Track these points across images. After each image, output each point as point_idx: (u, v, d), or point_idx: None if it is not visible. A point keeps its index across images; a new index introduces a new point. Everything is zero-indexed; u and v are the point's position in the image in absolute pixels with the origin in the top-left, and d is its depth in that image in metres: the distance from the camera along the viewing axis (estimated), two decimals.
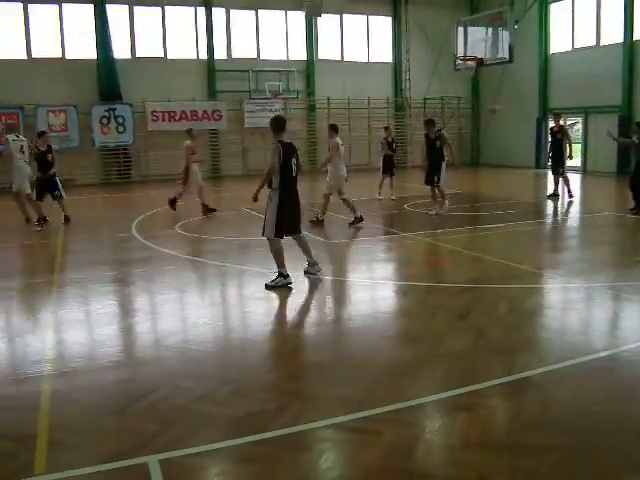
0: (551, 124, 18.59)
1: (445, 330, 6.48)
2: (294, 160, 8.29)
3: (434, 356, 5.76)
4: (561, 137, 17.08)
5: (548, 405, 4.67)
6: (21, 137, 14.66)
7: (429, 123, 14.71)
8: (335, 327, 6.90)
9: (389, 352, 5.98)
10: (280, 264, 8.36)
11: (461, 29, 24.42)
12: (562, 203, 16.61)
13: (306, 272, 8.83)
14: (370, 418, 4.49)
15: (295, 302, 8.03)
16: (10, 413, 4.82)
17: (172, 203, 15.45)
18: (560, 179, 17.14)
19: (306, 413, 4.60)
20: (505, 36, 22.33)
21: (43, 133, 15.50)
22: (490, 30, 23.31)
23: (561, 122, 17.91)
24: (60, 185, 14.45)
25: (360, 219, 13.05)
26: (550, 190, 17.72)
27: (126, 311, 7.70)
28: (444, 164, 14.47)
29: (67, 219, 14.27)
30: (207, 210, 15.23)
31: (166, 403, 4.83)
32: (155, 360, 5.91)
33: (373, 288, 8.60)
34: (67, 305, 7.86)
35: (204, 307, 7.84)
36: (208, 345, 6.31)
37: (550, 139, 17.88)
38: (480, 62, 23.62)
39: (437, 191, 14.51)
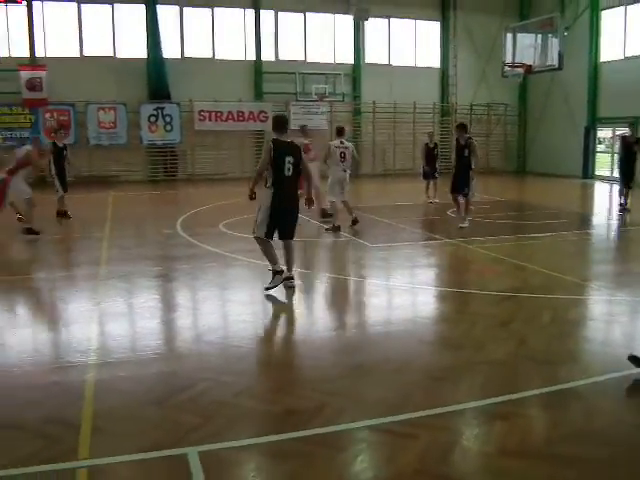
0: (618, 132, 17.65)
1: (485, 337, 6.44)
2: (289, 159, 7.90)
3: (473, 363, 5.73)
4: (638, 149, 15.89)
5: (589, 417, 4.61)
6: None
7: (461, 128, 13.78)
8: (374, 330, 6.93)
9: (428, 357, 5.97)
10: (273, 261, 8.17)
11: (510, 35, 24.16)
12: (612, 215, 16.33)
13: (289, 284, 8.29)
14: (407, 421, 4.50)
15: (336, 304, 8.07)
16: (56, 399, 4.96)
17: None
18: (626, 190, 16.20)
19: (344, 413, 4.63)
20: (555, 43, 22.02)
21: (58, 129, 16.25)
22: (539, 37, 23.01)
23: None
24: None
25: (337, 228, 12.77)
26: (615, 202, 17.20)
27: (168, 306, 7.84)
28: (471, 173, 13.42)
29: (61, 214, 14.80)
30: (325, 214, 13.85)
31: (206, 397, 4.91)
32: (196, 354, 6.00)
33: (413, 293, 8.58)
34: (111, 297, 8.02)
35: (245, 304, 7.92)
36: (248, 342, 6.39)
37: (621, 150, 16.67)
38: (529, 69, 23.34)
39: (463, 201, 13.52)
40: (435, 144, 18.68)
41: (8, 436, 4.33)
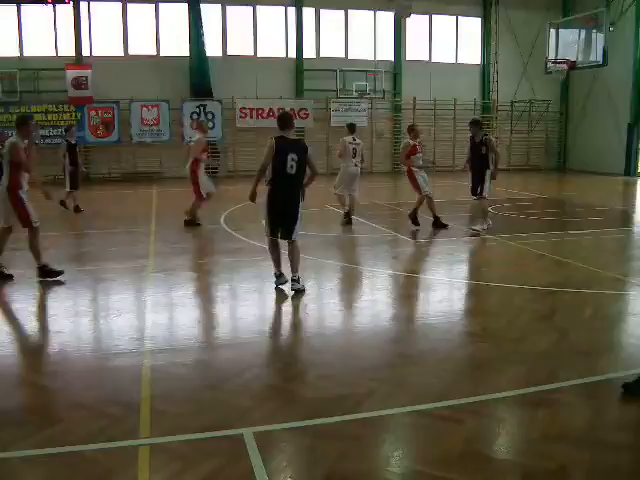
0: None
1: (528, 330, 6.55)
2: (292, 157, 7.73)
3: (517, 354, 5.86)
4: None
5: (629, 406, 4.71)
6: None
7: (475, 124, 12.93)
8: (419, 322, 7.11)
9: (472, 348, 6.12)
10: (275, 264, 8.15)
11: (553, 31, 23.98)
12: None
13: (292, 287, 8.10)
14: (453, 407, 4.66)
15: (380, 297, 8.24)
16: (115, 383, 5.24)
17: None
18: None
19: (392, 399, 4.81)
20: (599, 38, 21.79)
21: (71, 127, 17.10)
22: (583, 32, 22.80)
23: None
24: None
25: (349, 219, 13.43)
26: None
27: (217, 297, 8.10)
28: (488, 173, 12.55)
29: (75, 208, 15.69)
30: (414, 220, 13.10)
31: (258, 382, 5.14)
32: (246, 343, 6.23)
33: (457, 287, 8.72)
34: (162, 289, 8.33)
35: (290, 297, 8.13)
36: (296, 332, 6.64)
37: None
38: (572, 65, 23.16)
39: (480, 204, 12.77)
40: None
41: (74, 415, 4.59)
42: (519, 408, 4.79)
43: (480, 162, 12.53)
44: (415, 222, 12.93)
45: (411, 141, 13.24)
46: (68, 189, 15.87)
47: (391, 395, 4.88)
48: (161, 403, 4.77)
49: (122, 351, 5.96)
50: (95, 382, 5.27)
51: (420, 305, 7.99)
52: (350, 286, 8.83)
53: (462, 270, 9.93)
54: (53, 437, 4.24)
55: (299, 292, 7.97)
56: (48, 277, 8.60)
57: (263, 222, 8.10)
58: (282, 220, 7.97)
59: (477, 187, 12.57)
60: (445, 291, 8.55)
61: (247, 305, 7.80)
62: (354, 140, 13.71)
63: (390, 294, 8.42)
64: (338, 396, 4.85)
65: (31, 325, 6.97)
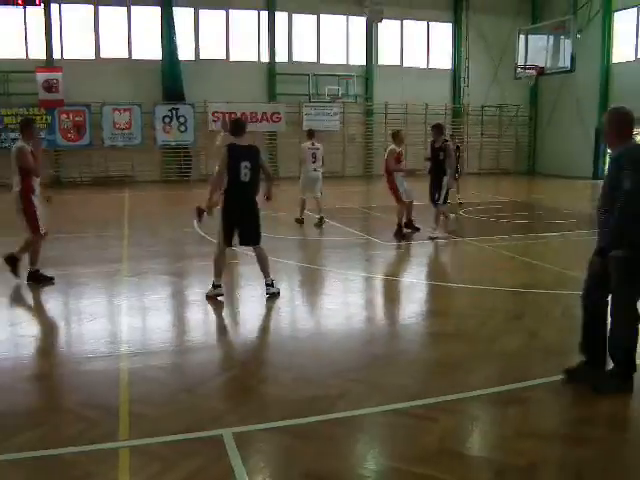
0: None
1: (499, 330, 6.69)
2: (245, 164, 7.65)
3: (488, 353, 5.99)
4: None
5: (597, 402, 4.86)
6: None
7: (437, 129, 12.67)
8: (393, 324, 7.23)
9: (445, 348, 6.23)
10: (216, 273, 7.94)
11: (522, 37, 24.36)
12: None
13: (266, 291, 8.06)
14: (427, 406, 4.77)
15: (352, 299, 8.34)
16: (92, 386, 5.26)
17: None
18: None
19: (366, 399, 4.90)
20: (567, 45, 22.19)
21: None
22: (552, 39, 23.21)
23: None
24: None
25: (301, 221, 14.07)
26: None
27: (192, 301, 8.11)
28: (445, 180, 12.30)
29: None
30: (412, 227, 13.05)
31: (234, 384, 5.21)
32: (221, 347, 6.33)
33: (429, 289, 8.85)
34: (137, 293, 8.34)
35: (265, 301, 8.19)
36: (270, 334, 6.71)
37: None
38: (541, 71, 23.55)
39: (436, 211, 12.46)
40: (457, 146, 17.63)
41: (52, 418, 4.61)
42: (492, 406, 4.91)
43: (437, 168, 12.38)
44: (414, 228, 12.90)
45: (396, 148, 12.77)
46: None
47: (366, 395, 4.97)
48: (139, 406, 4.80)
49: (98, 355, 5.97)
50: (73, 386, 5.29)
51: (393, 307, 8.10)
52: (322, 289, 8.90)
53: (434, 272, 10.08)
54: (33, 440, 4.26)
55: (274, 295, 7.98)
56: (37, 282, 8.54)
57: (218, 231, 7.98)
58: (242, 226, 7.87)
59: (434, 194, 12.39)
60: (417, 293, 8.68)
61: (220, 309, 7.83)
62: (313, 145, 14.08)
63: (363, 296, 8.54)
64: (313, 397, 4.93)
65: (6, 330, 6.93)
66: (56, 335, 6.87)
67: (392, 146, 12.84)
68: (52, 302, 8.19)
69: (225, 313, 7.69)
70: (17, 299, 8.15)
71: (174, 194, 22.83)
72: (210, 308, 7.78)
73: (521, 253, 10.87)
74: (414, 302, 8.17)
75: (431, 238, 12.06)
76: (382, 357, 5.90)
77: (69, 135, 25.86)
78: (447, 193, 12.45)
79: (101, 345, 6.27)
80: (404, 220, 12.74)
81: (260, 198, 8.02)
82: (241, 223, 7.87)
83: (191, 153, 27.38)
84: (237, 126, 7.99)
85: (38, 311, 7.80)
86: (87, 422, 4.52)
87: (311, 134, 14.39)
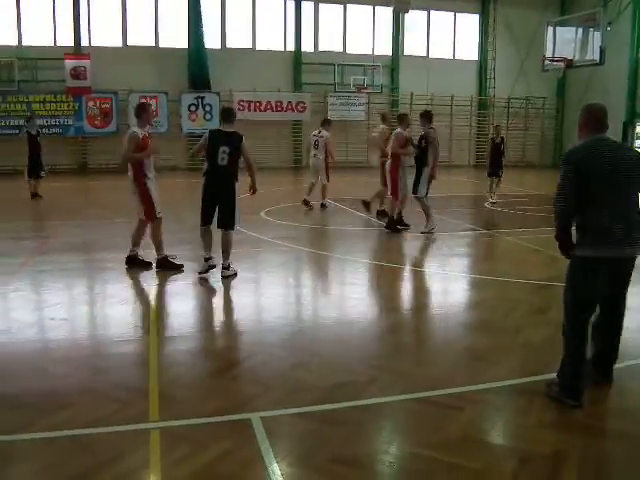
0: None
1: (524, 322, 6.71)
2: (224, 149, 8.02)
3: (513, 345, 6.02)
4: None
5: (623, 396, 4.88)
6: None
7: (424, 116, 12.04)
8: (418, 314, 7.26)
9: (470, 339, 6.27)
10: (205, 248, 8.47)
11: (551, 29, 24.07)
12: None
13: (222, 274, 8.38)
14: (452, 395, 4.81)
15: (378, 289, 8.40)
16: (123, 369, 5.39)
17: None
18: None
19: (393, 387, 4.97)
20: (596, 37, 21.90)
21: (32, 117, 18.16)
22: (580, 31, 22.92)
23: None
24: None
25: (307, 203, 14.75)
26: None
27: (221, 287, 8.21)
28: (426, 171, 11.84)
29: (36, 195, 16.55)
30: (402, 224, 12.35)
31: (263, 369, 5.29)
32: (250, 332, 6.42)
33: (454, 280, 8.87)
34: (169, 278, 8.46)
35: (292, 287, 8.31)
36: (299, 321, 6.85)
37: None
38: (569, 63, 23.25)
39: (420, 204, 11.95)
40: (502, 138, 17.47)
41: (84, 399, 4.72)
42: (516, 396, 4.93)
43: (420, 158, 11.87)
44: (403, 224, 12.18)
45: (402, 131, 12.01)
46: (26, 177, 16.62)
47: (392, 383, 5.04)
48: (168, 388, 4.91)
49: (128, 338, 6.10)
50: (104, 368, 5.40)
51: (417, 297, 8.15)
52: (347, 278, 8.96)
53: (459, 263, 10.08)
54: (66, 420, 4.37)
55: (228, 278, 8.27)
56: (166, 269, 8.67)
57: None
58: (213, 209, 8.25)
59: (415, 185, 11.87)
60: (441, 283, 8.72)
61: (249, 295, 7.99)
62: (318, 133, 15.07)
63: (387, 286, 8.58)
64: (340, 383, 5.00)
65: (37, 313, 7.08)
66: (86, 318, 7.02)
67: (398, 129, 11.98)
68: (82, 286, 8.36)
69: (252, 299, 7.81)
70: (47, 283, 8.30)
71: (198, 182, 22.91)
72: (237, 294, 7.90)
73: (546, 246, 10.80)
74: (438, 293, 8.22)
75: (424, 232, 11.61)
76: (408, 346, 5.97)
77: (96, 122, 26.11)
78: (428, 185, 11.86)
79: (131, 329, 6.42)
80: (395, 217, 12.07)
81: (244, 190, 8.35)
82: (218, 206, 8.23)
83: None
84: (223, 113, 8.55)
85: (69, 295, 7.94)
86: (118, 403, 4.63)
87: (323, 122, 15.51)
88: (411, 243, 11.22)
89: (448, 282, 8.80)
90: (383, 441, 4.24)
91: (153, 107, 26.12)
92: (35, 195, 16.53)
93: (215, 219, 8.30)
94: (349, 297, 7.99)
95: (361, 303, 7.70)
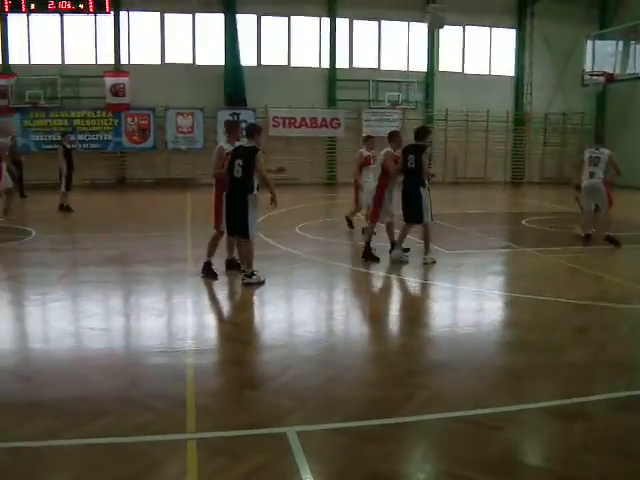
0: None
1: (563, 342, 6.57)
2: (239, 162, 8.37)
3: (553, 365, 5.89)
4: None
5: None
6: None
7: (420, 132, 10.77)
8: (455, 331, 7.15)
9: (508, 358, 6.17)
10: (229, 251, 9.26)
11: (590, 43, 23.79)
12: None
13: (242, 282, 8.70)
14: (491, 415, 4.72)
15: (416, 306, 8.34)
16: (160, 379, 5.43)
17: None
18: None
19: (429, 404, 4.89)
20: (638, 50, 21.56)
21: (66, 133, 18.59)
22: (621, 44, 22.60)
23: None
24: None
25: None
26: None
27: (255, 301, 8.24)
28: (424, 192, 10.28)
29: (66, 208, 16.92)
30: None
31: (299, 383, 5.26)
32: (285, 346, 6.38)
33: (491, 298, 8.75)
34: (202, 292, 8.52)
35: (327, 302, 8.29)
36: (334, 336, 6.81)
37: None
38: (610, 78, 22.93)
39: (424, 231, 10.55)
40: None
41: (122, 408, 4.74)
42: (557, 418, 4.81)
43: (413, 179, 10.36)
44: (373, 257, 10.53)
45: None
46: (64, 190, 16.94)
47: (429, 400, 4.96)
48: (205, 400, 4.92)
49: (165, 349, 6.14)
50: (141, 378, 5.44)
51: (454, 314, 8.06)
52: (383, 294, 8.94)
53: (495, 282, 9.95)
54: (103, 428, 4.40)
55: (251, 285, 8.55)
56: (206, 275, 8.98)
57: None
58: (229, 219, 8.65)
59: (412, 211, 10.43)
60: (479, 302, 8.60)
61: (283, 309, 8.02)
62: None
63: (424, 303, 8.51)
64: (376, 399, 4.95)
65: (76, 323, 7.17)
66: (124, 329, 7.08)
67: (388, 149, 10.68)
68: (120, 298, 8.47)
69: (286, 314, 7.81)
70: (86, 294, 8.40)
71: None
72: (272, 308, 7.92)
73: (585, 265, 10.65)
74: (476, 311, 8.11)
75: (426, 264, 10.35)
76: (445, 364, 5.88)
77: (134, 138, 26.50)
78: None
79: (167, 340, 6.48)
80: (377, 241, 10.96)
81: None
82: (232, 216, 8.58)
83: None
84: (246, 129, 8.87)
85: (108, 305, 8.03)
86: (155, 413, 4.64)
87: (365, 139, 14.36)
88: (447, 261, 11.11)
89: (485, 300, 8.68)
90: (420, 460, 4.18)
91: (189, 124, 26.63)
92: (66, 208, 16.86)
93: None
94: (383, 313, 7.93)
95: (396, 319, 7.66)
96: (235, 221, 8.58)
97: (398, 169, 10.43)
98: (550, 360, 6.03)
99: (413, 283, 9.41)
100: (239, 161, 8.39)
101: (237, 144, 8.79)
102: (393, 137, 10.88)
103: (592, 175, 12.54)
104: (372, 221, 10.79)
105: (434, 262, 10.35)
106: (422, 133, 10.51)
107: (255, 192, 8.56)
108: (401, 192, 10.47)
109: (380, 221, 10.74)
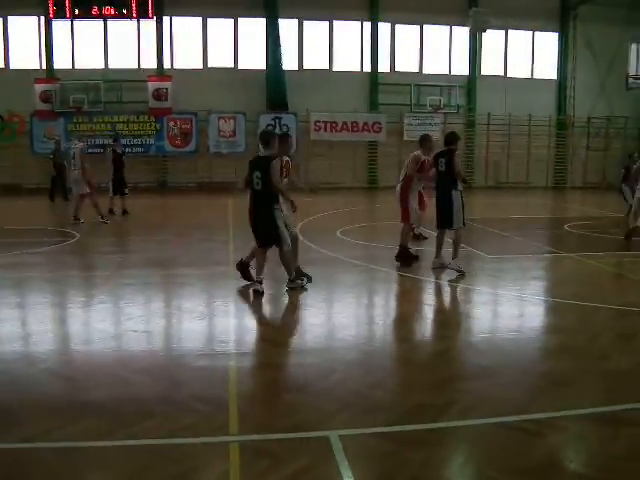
0: None
1: (608, 348, 6.48)
2: (257, 174, 8.27)
3: (598, 372, 5.82)
4: None
5: None
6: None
7: (449, 137, 10.35)
8: (497, 336, 7.09)
9: (551, 364, 6.10)
10: (257, 271, 8.58)
11: (635, 46, 23.40)
12: None
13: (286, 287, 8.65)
14: (535, 421, 4.67)
15: (458, 311, 8.30)
16: (203, 382, 5.48)
17: None
18: None
19: (472, 410, 4.87)
20: None
21: (118, 137, 19.23)
22: None
23: None
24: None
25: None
26: None
27: (298, 305, 8.29)
28: (456, 195, 9.85)
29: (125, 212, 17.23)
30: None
31: (342, 387, 5.28)
32: (329, 350, 6.43)
33: (534, 303, 8.65)
34: (243, 295, 8.62)
35: (370, 307, 8.32)
36: (377, 341, 6.83)
37: None
38: None
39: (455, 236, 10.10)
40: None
41: (165, 410, 4.82)
42: (602, 425, 4.75)
43: (444, 181, 10.04)
44: (412, 257, 10.65)
45: (421, 155, 11.00)
46: (111, 194, 17.23)
47: (472, 406, 4.94)
48: (247, 403, 4.97)
49: (207, 352, 6.22)
50: (183, 380, 5.51)
51: (496, 319, 8.00)
52: (425, 299, 8.89)
53: (539, 286, 9.84)
54: (147, 429, 4.47)
55: (294, 289, 8.52)
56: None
57: None
58: (257, 230, 8.56)
59: (446, 218, 10.03)
60: (522, 306, 8.50)
61: (325, 313, 8.03)
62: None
63: (466, 308, 8.46)
64: (418, 404, 4.94)
65: (121, 324, 7.30)
66: (167, 331, 7.19)
67: (417, 152, 10.94)
68: (163, 300, 8.58)
69: (327, 318, 7.83)
70: (130, 296, 8.55)
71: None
72: (314, 312, 7.95)
73: (630, 271, 10.47)
74: (519, 315, 8.04)
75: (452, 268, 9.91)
76: (488, 369, 5.83)
77: (176, 142, 26.86)
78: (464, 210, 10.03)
79: (210, 343, 6.57)
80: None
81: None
82: (257, 227, 8.55)
83: (293, 161, 27.79)
84: (260, 137, 8.84)
85: (150, 308, 8.16)
86: (198, 415, 4.71)
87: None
88: (489, 265, 11.02)
89: (528, 305, 8.58)
90: (461, 465, 4.16)
91: (231, 128, 26.88)
92: (124, 212, 17.15)
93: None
94: (424, 318, 7.93)
95: (438, 324, 7.62)
96: (264, 233, 8.48)
97: (430, 174, 10.46)
98: (594, 367, 5.95)
99: (455, 288, 9.35)
100: (257, 173, 8.30)
101: (260, 154, 8.55)
102: (423, 141, 10.96)
103: None
104: (404, 222, 10.78)
105: (461, 272, 9.77)
106: (451, 138, 10.26)
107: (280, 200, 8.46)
108: (435, 198, 10.29)
109: (411, 221, 10.88)
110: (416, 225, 12.23)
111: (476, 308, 8.46)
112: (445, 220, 9.94)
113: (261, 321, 7.60)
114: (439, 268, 10.07)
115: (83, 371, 5.82)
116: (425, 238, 12.65)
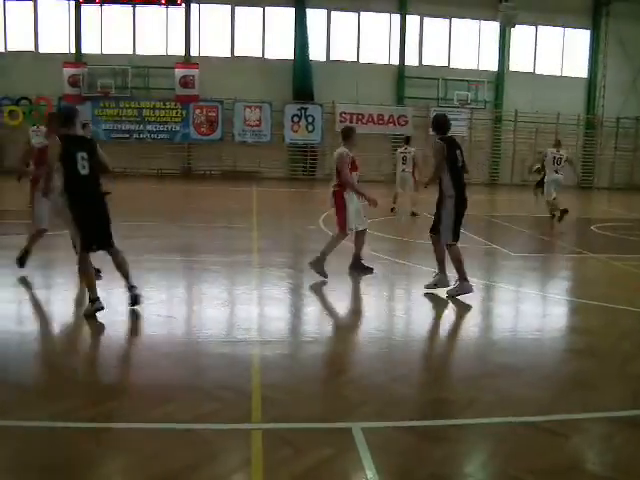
0: None
1: (634, 351, 6.41)
2: (82, 155, 6.69)
3: (623, 375, 5.75)
4: None
5: None
6: None
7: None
8: (522, 336, 7.03)
9: (576, 365, 6.04)
10: (92, 286, 6.86)
11: None
12: None
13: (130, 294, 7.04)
14: (558, 422, 4.63)
15: (483, 309, 8.21)
16: (227, 369, 5.49)
17: None
18: None
19: (494, 407, 4.84)
20: None
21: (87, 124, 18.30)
22: None
23: None
24: None
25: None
26: None
27: (321, 296, 8.28)
28: (448, 202, 7.99)
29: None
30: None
31: (364, 379, 5.27)
32: (352, 342, 6.46)
33: (559, 304, 8.58)
34: (267, 284, 8.62)
35: (393, 300, 8.27)
36: (402, 335, 6.84)
37: None
38: None
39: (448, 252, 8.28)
40: None
41: (188, 396, 4.84)
42: (626, 428, 4.69)
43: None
44: (365, 268, 9.23)
45: (348, 151, 9.03)
46: None
47: (494, 404, 4.91)
48: (270, 391, 4.96)
49: (231, 339, 6.23)
50: (206, 366, 5.54)
51: (522, 319, 7.90)
52: (451, 296, 8.79)
53: (565, 287, 9.75)
54: (170, 413, 4.50)
55: (138, 298, 6.99)
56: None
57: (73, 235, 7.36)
58: (95, 226, 6.85)
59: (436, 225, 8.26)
60: (547, 307, 8.44)
61: (349, 306, 8.03)
62: (405, 149, 16.64)
63: (491, 306, 8.39)
64: (442, 400, 4.93)
65: (143, 309, 7.31)
66: (190, 317, 7.21)
67: (343, 149, 9.07)
68: (185, 286, 8.61)
69: (352, 311, 7.82)
70: (153, 281, 8.56)
71: (299, 192, 23.29)
72: (337, 305, 7.95)
73: None
74: (544, 316, 7.97)
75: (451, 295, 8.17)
76: (512, 368, 5.79)
77: (202, 129, 26.94)
78: (455, 225, 8.15)
79: (233, 330, 6.59)
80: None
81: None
82: (93, 222, 6.85)
83: (317, 152, 27.80)
84: (65, 116, 7.07)
85: (173, 293, 8.19)
86: (221, 402, 4.72)
87: (406, 140, 17.28)
88: (514, 263, 10.94)
89: (553, 305, 8.52)
90: (483, 463, 4.13)
91: (256, 117, 26.88)
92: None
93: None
94: (449, 314, 7.86)
95: (463, 322, 7.57)
96: (101, 228, 6.88)
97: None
98: (620, 369, 5.88)
99: (479, 285, 9.28)
100: (82, 154, 6.63)
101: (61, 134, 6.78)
102: (348, 134, 9.28)
103: None
104: (341, 231, 9.11)
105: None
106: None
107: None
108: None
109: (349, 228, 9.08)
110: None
111: (501, 306, 8.40)
112: (434, 224, 8.22)
113: (282, 310, 7.57)
114: (432, 288, 8.29)
115: (106, 354, 5.94)
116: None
